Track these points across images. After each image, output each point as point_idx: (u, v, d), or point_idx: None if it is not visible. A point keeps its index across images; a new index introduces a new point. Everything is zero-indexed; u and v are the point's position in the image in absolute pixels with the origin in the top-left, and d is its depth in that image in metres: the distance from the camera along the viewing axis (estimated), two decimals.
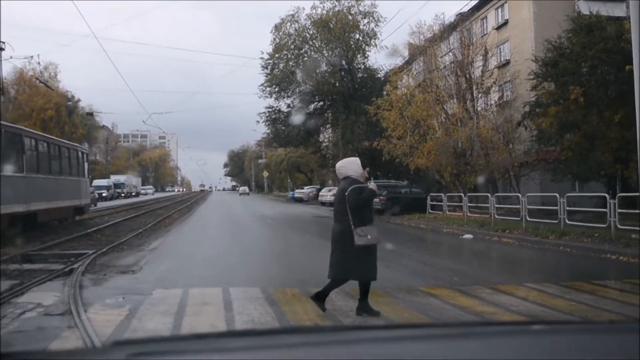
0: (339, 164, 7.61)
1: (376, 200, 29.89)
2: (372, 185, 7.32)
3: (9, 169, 16.72)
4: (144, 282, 9.85)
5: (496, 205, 20.59)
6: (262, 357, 1.30)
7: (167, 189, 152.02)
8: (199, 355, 1.33)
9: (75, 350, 5.02)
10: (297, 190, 63.02)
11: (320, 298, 7.22)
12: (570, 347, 1.39)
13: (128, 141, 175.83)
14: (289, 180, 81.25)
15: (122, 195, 70.62)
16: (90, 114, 64.12)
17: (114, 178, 72.60)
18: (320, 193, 48.71)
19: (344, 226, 7.06)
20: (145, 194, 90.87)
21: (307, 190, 58.95)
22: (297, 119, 45.27)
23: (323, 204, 44.60)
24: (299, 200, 56.27)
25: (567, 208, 16.83)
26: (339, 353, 1.31)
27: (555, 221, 16.90)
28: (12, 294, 8.49)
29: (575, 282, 9.60)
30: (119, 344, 1.51)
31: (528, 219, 18.25)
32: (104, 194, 55.88)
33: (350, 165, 7.40)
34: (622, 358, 1.24)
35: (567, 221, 16.46)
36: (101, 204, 44.09)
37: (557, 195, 17.37)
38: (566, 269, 12.45)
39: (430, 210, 25.96)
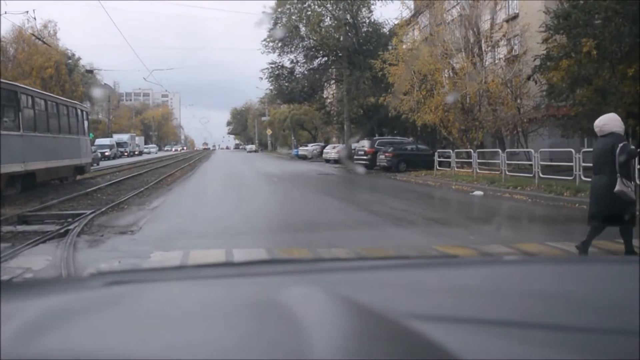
0: (602, 121, 7.71)
1: (382, 157, 29.90)
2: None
3: (5, 127, 16.25)
4: (142, 243, 9.36)
5: (507, 162, 20.17)
6: (245, 285, 1.23)
7: (165, 148, 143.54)
8: (177, 283, 1.27)
9: (53, 279, 4.63)
10: (301, 148, 62.60)
11: (585, 248, 7.98)
12: (559, 274, 1.31)
13: (130, 100, 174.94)
14: (292, 138, 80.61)
15: (125, 154, 70.14)
16: (90, 71, 63.43)
17: (117, 137, 72.19)
18: (325, 150, 48.12)
19: (611, 178, 7.47)
20: (149, 153, 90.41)
21: (311, 147, 58.40)
22: (300, 74, 44.54)
23: (327, 161, 44.12)
24: (303, 158, 55.95)
25: (583, 164, 16.28)
26: (335, 278, 1.28)
27: (570, 177, 16.40)
28: (0, 258, 8.02)
29: (599, 241, 9.10)
30: (97, 274, 1.46)
31: (541, 175, 17.75)
32: (106, 153, 55.52)
33: (615, 122, 7.66)
34: (619, 287, 1.15)
35: (583, 177, 15.92)
36: (104, 163, 43.81)
37: (572, 150, 16.85)
38: (587, 227, 11.93)
39: (437, 167, 25.48)
